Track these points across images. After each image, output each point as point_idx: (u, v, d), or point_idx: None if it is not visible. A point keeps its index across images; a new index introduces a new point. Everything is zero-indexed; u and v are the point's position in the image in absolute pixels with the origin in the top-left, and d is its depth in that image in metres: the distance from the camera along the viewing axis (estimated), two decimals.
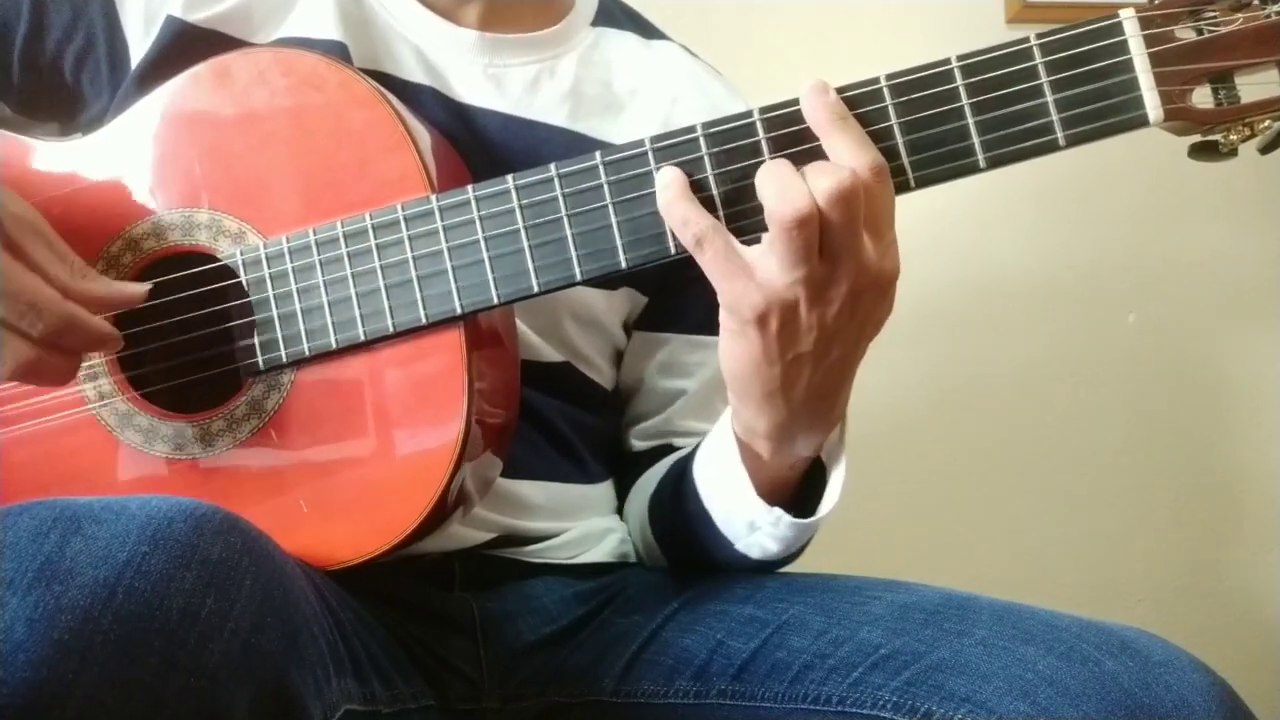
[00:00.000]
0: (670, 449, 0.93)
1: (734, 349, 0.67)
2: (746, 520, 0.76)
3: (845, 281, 0.63)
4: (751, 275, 0.64)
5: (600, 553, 0.91)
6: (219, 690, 0.50)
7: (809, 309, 0.64)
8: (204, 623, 0.50)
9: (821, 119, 0.65)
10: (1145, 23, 0.65)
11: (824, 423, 0.71)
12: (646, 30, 0.98)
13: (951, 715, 0.64)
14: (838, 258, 0.63)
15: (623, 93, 0.92)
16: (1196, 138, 0.68)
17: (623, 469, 0.97)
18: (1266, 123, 0.66)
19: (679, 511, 0.83)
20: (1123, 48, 0.65)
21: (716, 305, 0.79)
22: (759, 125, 0.67)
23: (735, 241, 0.65)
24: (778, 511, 0.74)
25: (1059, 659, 0.63)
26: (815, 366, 0.67)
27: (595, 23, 0.95)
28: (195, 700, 0.49)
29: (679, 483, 0.83)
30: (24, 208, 0.68)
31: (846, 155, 0.64)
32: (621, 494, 0.97)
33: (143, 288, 0.72)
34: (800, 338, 0.65)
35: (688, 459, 0.83)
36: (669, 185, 0.67)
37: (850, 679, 0.69)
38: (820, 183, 0.62)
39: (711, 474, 0.78)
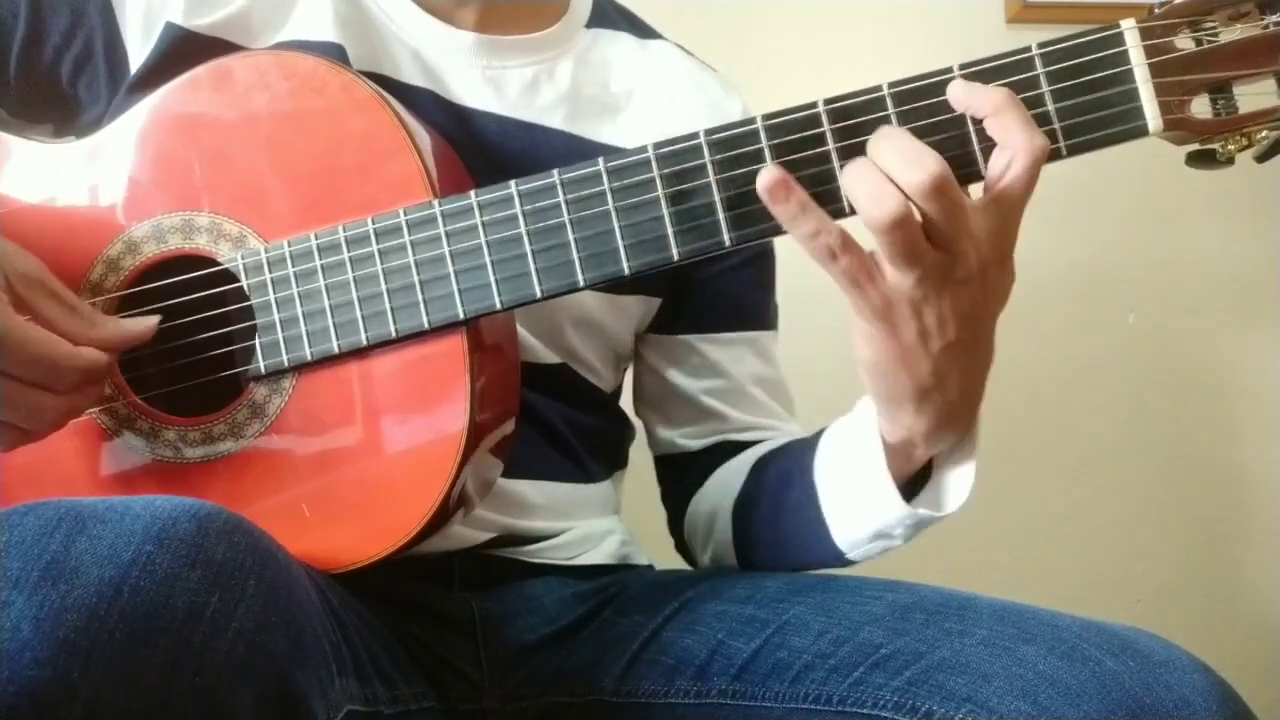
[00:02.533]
0: (731, 444, 0.93)
1: (874, 355, 0.65)
2: (876, 530, 0.74)
3: (966, 259, 0.62)
4: (883, 279, 0.62)
5: (600, 554, 0.91)
6: (224, 689, 0.50)
7: (939, 299, 0.62)
8: (209, 622, 0.50)
9: (997, 103, 0.63)
10: (1146, 33, 0.65)
11: (974, 407, 0.70)
12: (642, 30, 0.99)
13: (952, 715, 0.64)
14: (950, 245, 0.61)
15: (620, 94, 0.92)
16: (1194, 146, 0.68)
17: (676, 473, 0.97)
18: (1264, 133, 0.67)
19: (791, 518, 0.81)
20: (1123, 58, 0.65)
21: (738, 302, 0.78)
22: (762, 132, 0.67)
23: (860, 249, 0.63)
24: (921, 512, 0.72)
25: (1060, 659, 0.63)
26: (964, 356, 0.65)
27: (590, 24, 0.95)
28: (200, 699, 0.49)
29: (784, 494, 0.81)
30: (30, 264, 0.69)
31: (1022, 135, 0.62)
32: (679, 494, 0.96)
33: (151, 321, 0.73)
34: (939, 331, 0.64)
35: (796, 464, 0.80)
36: (791, 197, 0.62)
37: (851, 679, 0.69)
38: (911, 177, 0.60)
39: (839, 485, 0.76)
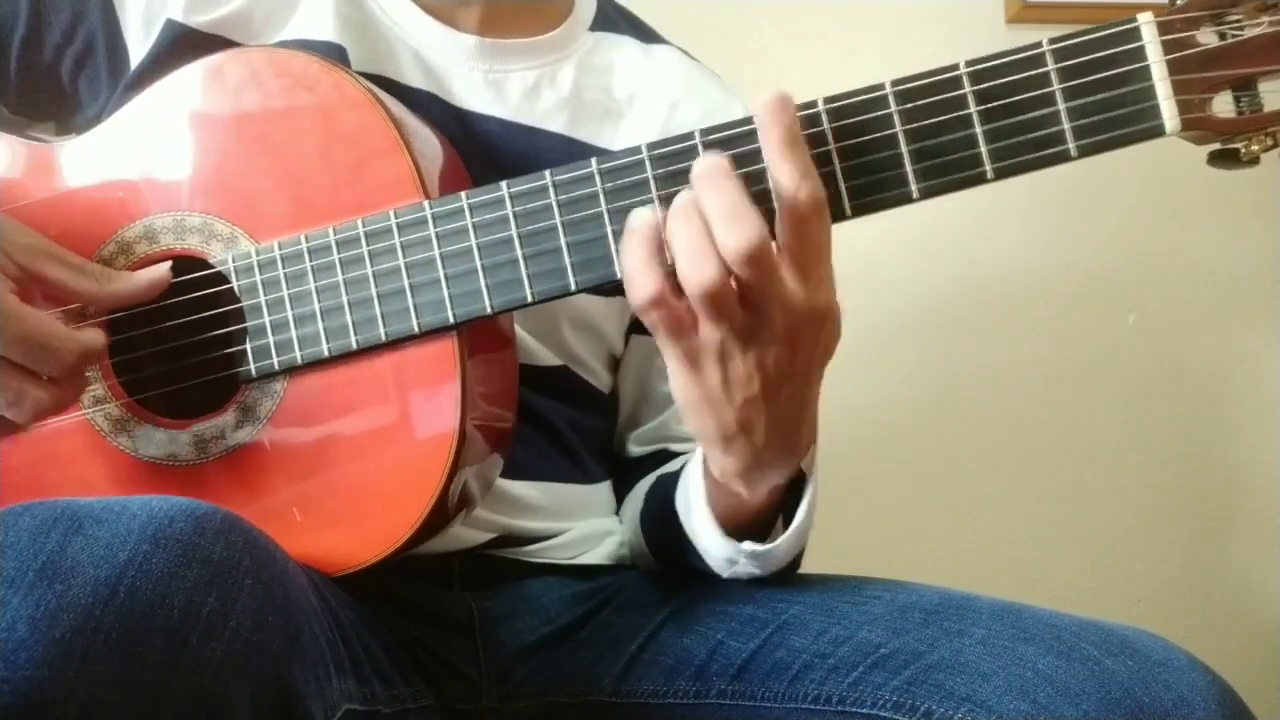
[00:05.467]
0: (667, 454, 0.93)
1: (684, 395, 0.66)
2: (724, 557, 0.76)
3: (773, 323, 0.61)
4: (695, 334, 0.62)
5: (599, 555, 0.91)
6: (221, 688, 0.50)
7: (743, 355, 0.62)
8: (205, 621, 0.50)
9: (775, 142, 0.61)
10: (1164, 28, 0.62)
11: (792, 454, 0.70)
12: (645, 35, 0.98)
13: (951, 714, 0.64)
14: (759, 307, 0.61)
15: (621, 99, 0.92)
16: (1215, 145, 0.65)
17: (622, 473, 0.97)
18: None
19: (669, 540, 0.83)
20: (1139, 54, 0.62)
21: None
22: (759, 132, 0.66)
23: (678, 305, 0.62)
24: (748, 545, 0.73)
25: (1059, 658, 0.63)
26: (770, 408, 0.65)
27: (594, 27, 0.95)
28: (197, 698, 0.49)
29: (665, 517, 0.83)
30: (29, 235, 0.68)
31: (788, 183, 0.60)
32: (619, 497, 0.97)
33: (163, 269, 0.72)
34: (743, 384, 0.63)
35: (670, 491, 0.82)
36: (635, 235, 0.62)
37: (850, 678, 0.69)
38: (729, 242, 0.58)
39: (688, 516, 0.78)
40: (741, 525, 0.74)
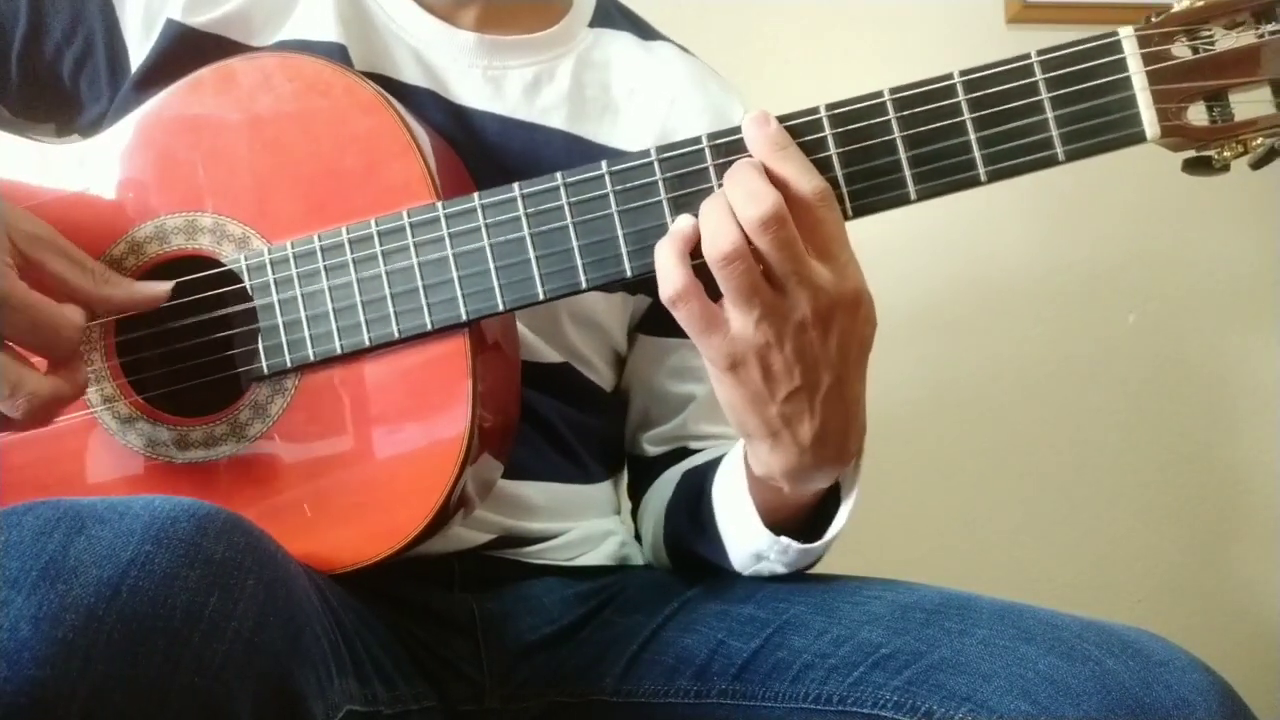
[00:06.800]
0: (686, 450, 0.93)
1: (726, 397, 0.68)
2: (753, 552, 0.77)
3: (804, 306, 0.63)
4: (728, 329, 0.64)
5: (600, 556, 0.91)
6: (222, 688, 0.50)
7: (779, 344, 0.64)
8: (207, 621, 0.51)
9: (764, 152, 0.66)
10: (1143, 41, 0.66)
11: (839, 458, 0.71)
12: (644, 31, 0.99)
13: (952, 714, 0.64)
14: (785, 283, 0.63)
15: (620, 95, 0.92)
16: (1191, 153, 0.69)
17: (636, 474, 0.98)
18: (1259, 140, 0.67)
19: (694, 535, 0.83)
20: (1121, 65, 0.66)
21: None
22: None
23: (708, 300, 0.65)
24: (785, 541, 0.75)
25: (1060, 658, 0.63)
26: (812, 400, 0.66)
27: (593, 23, 0.95)
28: (199, 698, 0.49)
29: (697, 508, 0.83)
30: (36, 224, 0.68)
31: (789, 181, 0.65)
32: (635, 497, 0.97)
33: (164, 287, 0.73)
34: (784, 377, 0.65)
35: (705, 481, 0.83)
36: (671, 235, 0.66)
37: (851, 678, 0.70)
38: (746, 212, 0.63)
39: (725, 506, 0.79)
40: (778, 521, 0.75)
